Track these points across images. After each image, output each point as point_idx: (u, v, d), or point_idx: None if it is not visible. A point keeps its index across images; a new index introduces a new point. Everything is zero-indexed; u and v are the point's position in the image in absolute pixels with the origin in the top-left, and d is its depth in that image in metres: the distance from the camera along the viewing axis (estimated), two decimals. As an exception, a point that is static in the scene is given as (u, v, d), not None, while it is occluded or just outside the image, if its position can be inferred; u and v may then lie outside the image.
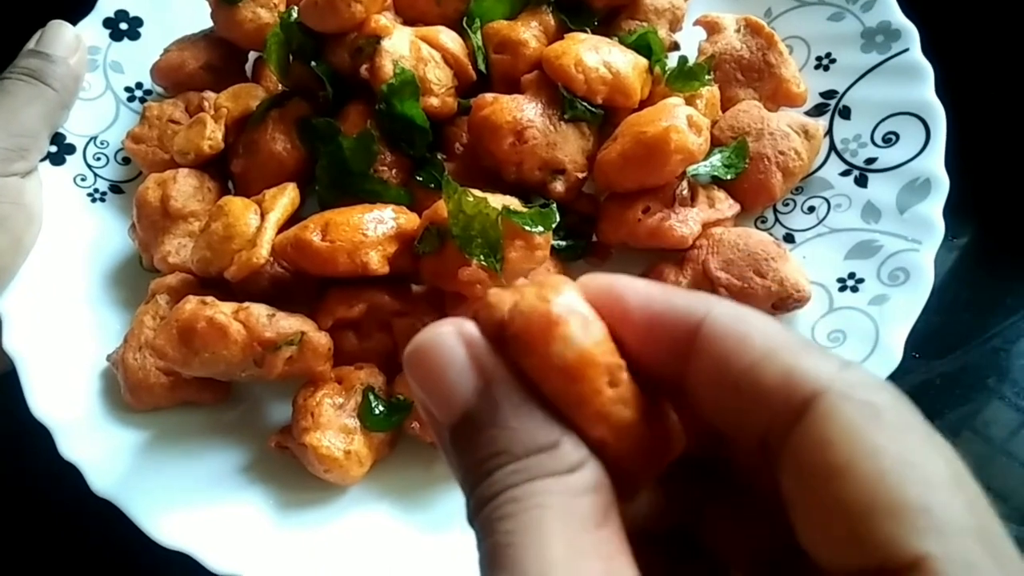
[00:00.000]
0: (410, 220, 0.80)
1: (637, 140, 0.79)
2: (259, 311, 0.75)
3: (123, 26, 1.03)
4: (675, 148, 0.77)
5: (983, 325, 0.71)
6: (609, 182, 0.82)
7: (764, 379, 0.29)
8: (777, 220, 0.86)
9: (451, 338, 0.31)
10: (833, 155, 0.87)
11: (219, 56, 0.97)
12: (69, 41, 0.94)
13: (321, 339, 0.76)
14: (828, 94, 0.90)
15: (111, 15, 1.02)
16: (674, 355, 0.32)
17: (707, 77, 0.86)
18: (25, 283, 0.86)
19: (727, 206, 0.82)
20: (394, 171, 0.86)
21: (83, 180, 0.96)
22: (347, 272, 0.76)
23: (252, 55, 1.01)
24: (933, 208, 0.78)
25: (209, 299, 0.75)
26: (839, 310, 0.77)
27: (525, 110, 0.82)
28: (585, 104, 0.83)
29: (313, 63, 0.87)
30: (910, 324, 0.73)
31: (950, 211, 0.78)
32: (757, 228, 0.86)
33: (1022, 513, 0.82)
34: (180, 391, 0.80)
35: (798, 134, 0.84)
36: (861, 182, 0.84)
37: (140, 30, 1.03)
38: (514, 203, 0.77)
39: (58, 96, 0.91)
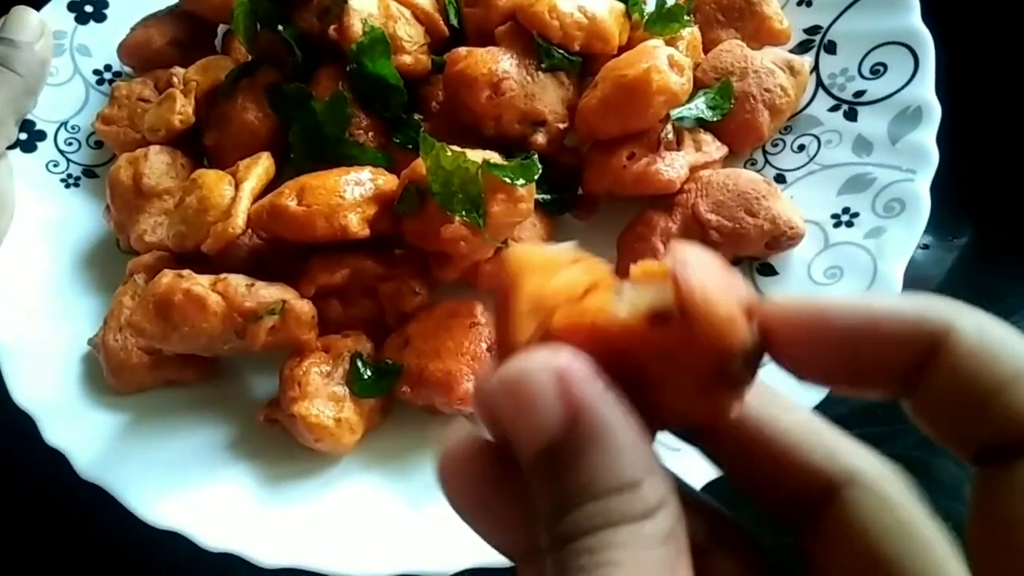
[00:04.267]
0: (388, 181, 0.78)
1: (617, 84, 0.76)
2: (237, 281, 0.73)
3: (88, 8, 1.00)
4: (657, 89, 0.74)
5: None
6: (591, 130, 0.79)
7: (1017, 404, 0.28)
8: (767, 161, 0.84)
9: (541, 371, 0.29)
10: (821, 91, 0.84)
11: (186, 31, 0.95)
12: (33, 26, 0.91)
13: (304, 307, 0.74)
14: (812, 30, 0.87)
15: (78, -1, 1.00)
16: (894, 372, 0.30)
17: (687, 18, 0.83)
18: (1, 271, 0.84)
19: (715, 148, 0.79)
20: (370, 134, 0.84)
21: (55, 166, 0.93)
22: (326, 237, 0.74)
23: (221, 29, 0.99)
24: (926, 135, 0.76)
25: (185, 272, 0.73)
26: (835, 246, 0.75)
27: (501, 62, 0.79)
28: (562, 52, 0.80)
29: (281, 28, 0.85)
30: (908, 254, 0.71)
31: (950, 211, 0.76)
32: (744, 168, 0.84)
33: None
34: (163, 370, 0.78)
35: (783, 71, 0.82)
36: (851, 116, 0.81)
37: (106, 12, 1.01)
38: (494, 157, 0.75)
39: (24, 82, 0.89)
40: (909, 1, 0.82)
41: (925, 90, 0.78)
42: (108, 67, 1.00)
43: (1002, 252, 0.72)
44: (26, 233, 0.88)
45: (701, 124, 0.81)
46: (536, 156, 0.75)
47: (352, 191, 0.75)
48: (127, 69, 0.99)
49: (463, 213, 0.72)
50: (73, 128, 0.96)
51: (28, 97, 0.91)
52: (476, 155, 0.73)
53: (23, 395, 0.76)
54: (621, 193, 0.79)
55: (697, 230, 0.76)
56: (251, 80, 0.86)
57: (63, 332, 0.83)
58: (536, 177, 0.73)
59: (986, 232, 0.81)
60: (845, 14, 0.86)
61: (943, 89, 0.77)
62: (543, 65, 0.80)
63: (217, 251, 0.76)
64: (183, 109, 0.86)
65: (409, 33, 0.84)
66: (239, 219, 0.75)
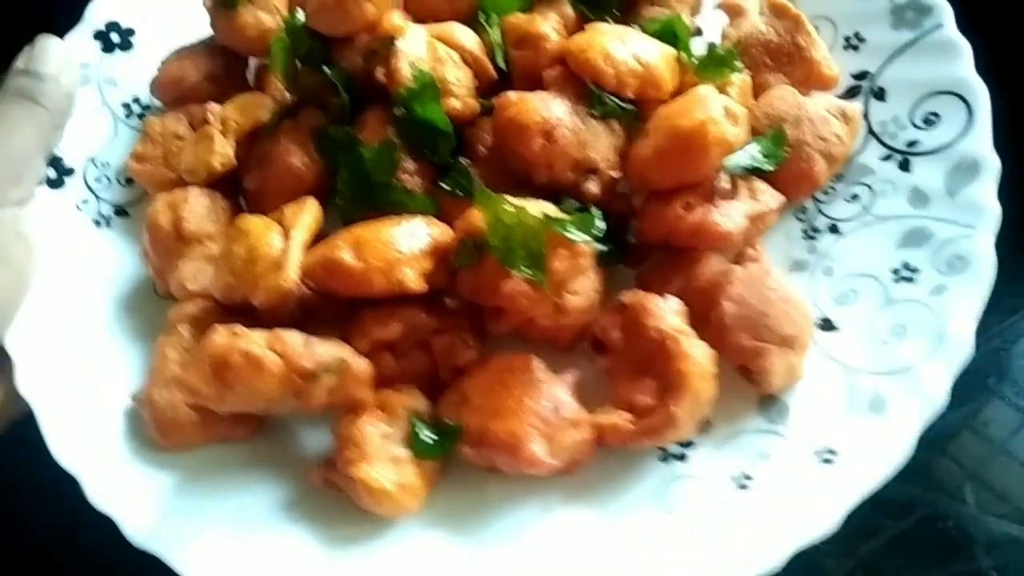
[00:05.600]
0: (443, 232, 0.76)
1: (671, 134, 0.75)
2: (294, 339, 0.71)
3: (114, 38, 0.97)
4: (713, 140, 0.73)
5: (983, 325, 0.68)
6: (644, 180, 0.78)
7: None
8: (819, 211, 0.83)
9: None
10: (872, 139, 0.83)
11: (221, 65, 0.92)
12: (59, 57, 0.88)
13: (362, 365, 0.72)
14: (860, 75, 0.87)
15: (101, 27, 0.97)
16: None
17: (737, 63, 0.82)
18: (32, 319, 0.81)
19: (770, 197, 0.79)
20: (417, 179, 0.82)
21: (85, 204, 0.91)
22: (383, 292, 0.73)
23: (253, 62, 0.96)
24: (984, 190, 0.76)
25: (239, 329, 0.71)
26: (897, 303, 0.74)
27: (553, 108, 0.78)
28: (615, 99, 0.79)
29: (326, 68, 0.83)
30: (976, 317, 0.71)
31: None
32: (797, 219, 0.83)
33: (1022, 513, 0.81)
34: (212, 427, 0.76)
35: (836, 118, 0.81)
36: (904, 166, 0.81)
37: (132, 40, 0.98)
38: (551, 209, 0.74)
39: (51, 116, 0.86)
40: (959, 49, 0.82)
41: (981, 143, 0.77)
42: (137, 99, 0.97)
43: (1002, 252, 0.71)
44: (56, 276, 0.85)
45: (755, 172, 0.80)
46: (595, 210, 0.74)
47: (409, 244, 0.74)
48: (156, 102, 0.97)
49: (524, 269, 0.70)
50: (102, 164, 0.93)
51: (55, 132, 0.88)
52: (534, 207, 0.72)
53: (64, 455, 0.74)
54: (677, 244, 0.78)
55: (708, 302, 0.74)
56: (294, 121, 0.85)
57: (101, 384, 0.80)
58: (598, 232, 0.72)
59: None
60: (894, 60, 0.85)
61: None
62: (595, 112, 0.79)
63: (268, 305, 0.75)
64: (223, 150, 0.84)
65: (457, 77, 0.82)
66: (292, 272, 0.73)
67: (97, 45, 0.96)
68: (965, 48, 0.82)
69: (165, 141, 0.89)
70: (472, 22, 0.87)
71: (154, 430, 0.76)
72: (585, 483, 0.73)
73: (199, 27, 0.96)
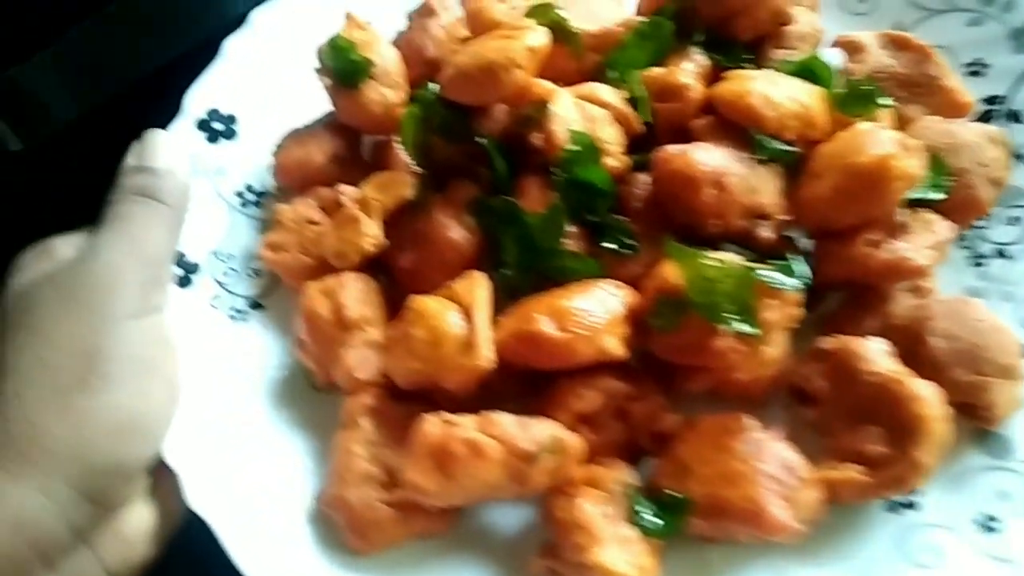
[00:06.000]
0: (633, 295, 0.74)
1: (851, 172, 0.74)
2: (507, 421, 0.67)
3: (218, 126, 0.94)
4: (897, 175, 0.73)
5: None
6: (823, 221, 0.77)
7: None
8: (980, 237, 0.83)
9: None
10: (1018, 161, 0.84)
11: (343, 145, 0.90)
12: (171, 151, 0.84)
13: (575, 441, 0.69)
14: (991, 99, 0.88)
15: (203, 116, 0.93)
16: None
17: (883, 97, 0.82)
18: (188, 427, 0.76)
19: (944, 227, 0.78)
20: (578, 242, 0.80)
21: (218, 300, 0.86)
22: (587, 362, 0.70)
23: (367, 139, 0.94)
24: None
25: (450, 416, 0.67)
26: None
27: (717, 157, 0.77)
28: (778, 143, 0.78)
29: (481, 139, 0.81)
30: None
31: None
32: (959, 247, 0.83)
33: None
34: (412, 524, 0.71)
35: (988, 143, 0.82)
36: (1060, 186, 0.82)
37: (235, 128, 0.95)
38: (741, 260, 0.72)
39: (174, 213, 0.82)
40: (1093, 66, 0.83)
41: None
42: (249, 187, 0.93)
43: None
44: (204, 379, 0.80)
45: (922, 203, 0.79)
46: (795, 256, 0.72)
47: (606, 310, 0.71)
48: (269, 188, 0.93)
49: (734, 324, 0.68)
50: (227, 257, 0.89)
51: (179, 228, 0.84)
52: (730, 259, 0.71)
53: (255, 570, 0.68)
54: (865, 282, 0.76)
55: (913, 340, 0.73)
56: (445, 195, 0.82)
57: (276, 488, 0.76)
58: (805, 279, 0.70)
59: None
60: (1025, 82, 0.86)
61: None
62: (759, 157, 0.78)
63: (462, 388, 0.71)
64: (372, 232, 0.81)
65: (610, 134, 0.81)
66: (487, 351, 0.70)
67: (202, 135, 0.93)
68: (1099, 65, 0.83)
69: (299, 228, 0.86)
70: (600, 80, 0.86)
71: (350, 533, 0.71)
72: (811, 542, 0.70)
73: (300, 108, 0.94)
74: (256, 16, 0.97)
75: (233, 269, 0.88)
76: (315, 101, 0.93)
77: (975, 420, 0.72)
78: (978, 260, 0.82)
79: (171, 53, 1.01)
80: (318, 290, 0.80)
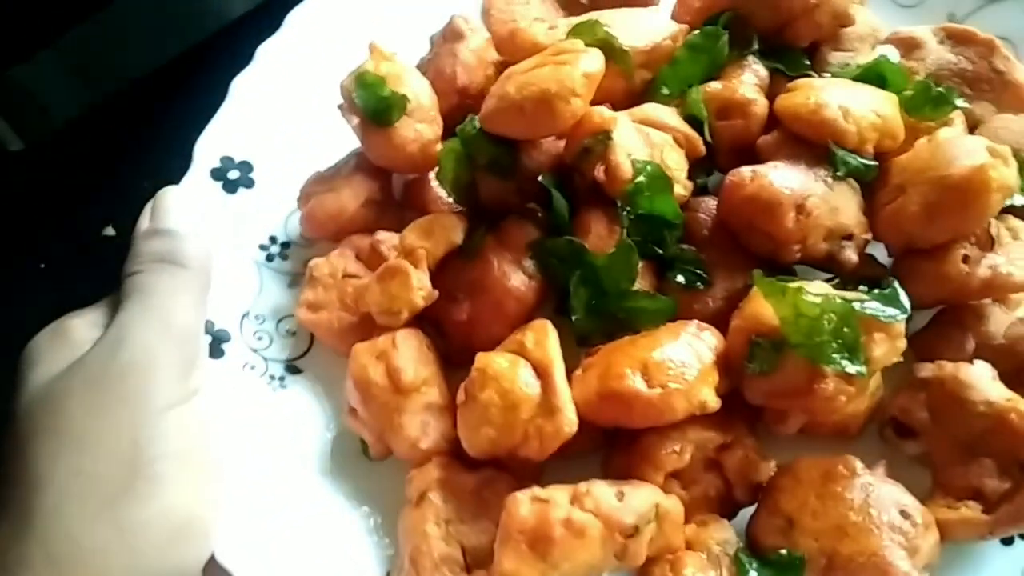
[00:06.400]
0: (719, 337, 0.68)
1: (943, 186, 0.69)
2: (602, 493, 0.61)
3: (233, 175, 0.86)
4: (996, 187, 0.67)
5: None
6: (911, 238, 0.72)
7: None
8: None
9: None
10: (1097, 155, 0.79)
11: (377, 188, 0.82)
12: (187, 208, 0.77)
13: (677, 507, 0.63)
14: (1063, 91, 0.82)
15: (217, 164, 0.85)
16: None
17: (957, 99, 0.77)
18: (239, 521, 0.69)
19: (1033, 234, 0.73)
20: (645, 277, 0.74)
21: (252, 369, 0.79)
22: (682, 418, 0.64)
23: (396, 178, 0.87)
24: None
25: (541, 492, 0.61)
26: None
27: (796, 178, 0.71)
28: (858, 157, 0.72)
29: (542, 177, 0.74)
30: None
31: None
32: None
33: None
34: (503, 608, 0.64)
35: (1070, 138, 0.76)
36: None
37: (253, 177, 0.87)
38: (837, 291, 0.66)
39: (198, 277, 0.74)
40: None
41: None
42: (273, 239, 0.86)
43: None
44: (247, 461, 0.73)
45: (1010, 210, 0.74)
46: (895, 282, 0.66)
47: (696, 359, 0.65)
48: (295, 238, 0.86)
49: (842, 364, 0.62)
50: (258, 318, 0.82)
51: (206, 294, 0.76)
52: (828, 292, 0.65)
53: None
54: (961, 301, 0.71)
55: (1018, 359, 0.69)
56: (499, 238, 0.75)
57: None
58: (907, 308, 0.65)
59: None
60: (1095, 70, 0.81)
61: None
62: (839, 173, 0.72)
63: (545, 455, 0.65)
64: (422, 284, 0.74)
65: (675, 160, 0.74)
66: (570, 414, 0.64)
67: (217, 186, 0.85)
68: None
69: (337, 283, 0.79)
70: (649, 100, 0.80)
71: (435, 624, 0.64)
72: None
73: (320, 148, 0.87)
74: (263, 50, 0.90)
75: (266, 332, 0.81)
76: (336, 139, 0.86)
77: None
78: (1064, 264, 0.77)
79: (171, 53, 0.99)
80: (369, 353, 0.73)
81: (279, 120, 0.89)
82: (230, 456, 0.72)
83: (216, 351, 0.78)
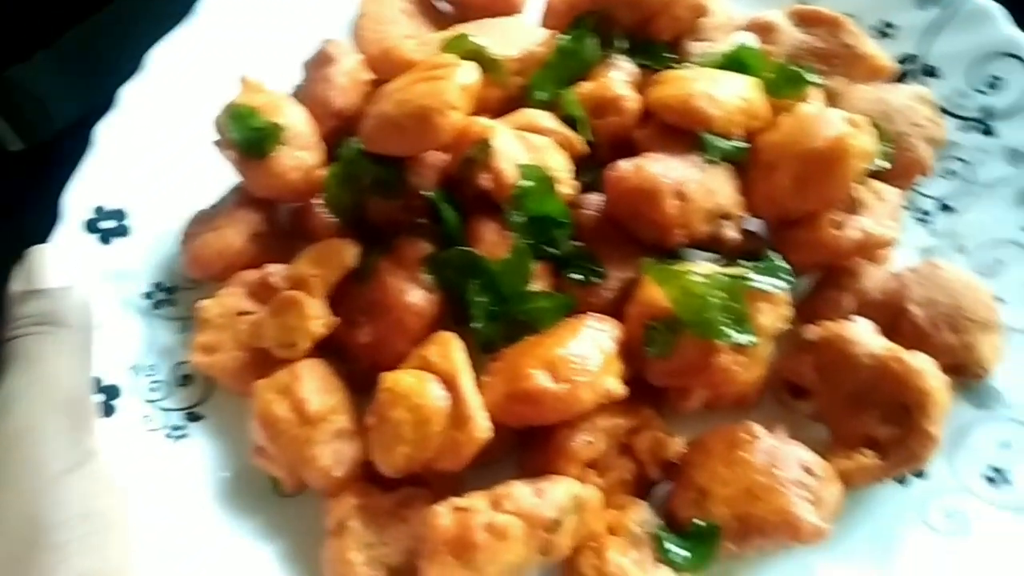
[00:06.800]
0: (617, 326, 0.69)
1: (807, 159, 0.72)
2: (522, 492, 0.62)
3: (107, 224, 0.83)
4: (856, 153, 0.71)
5: None
6: (784, 210, 0.75)
7: None
8: (920, 194, 0.84)
9: None
10: (943, 115, 0.85)
11: (262, 219, 0.81)
12: (60, 264, 0.73)
13: (595, 495, 0.64)
14: (904, 59, 0.89)
15: (91, 215, 0.82)
16: None
17: (813, 76, 0.81)
18: (151, 573, 0.66)
19: (893, 194, 0.77)
20: (542, 278, 0.75)
21: (149, 421, 0.76)
22: (591, 409, 0.65)
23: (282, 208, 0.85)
24: (1083, 133, 0.78)
25: (460, 501, 0.61)
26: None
27: (673, 166, 0.74)
28: (728, 141, 0.75)
29: (428, 191, 0.74)
30: None
31: None
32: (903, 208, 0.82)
33: None
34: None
35: (917, 103, 0.82)
36: (987, 132, 0.83)
37: (127, 224, 0.84)
38: (721, 269, 0.69)
39: (80, 335, 0.70)
40: (991, 12, 0.85)
41: (1056, 92, 0.81)
42: (159, 285, 0.83)
43: None
44: (155, 518, 0.70)
45: (871, 175, 0.79)
46: (774, 254, 0.70)
47: (598, 350, 0.66)
48: (180, 282, 0.83)
49: (733, 336, 0.65)
50: (149, 369, 0.78)
51: (89, 352, 0.72)
52: (713, 270, 0.68)
53: None
54: (836, 263, 0.75)
55: (892, 312, 0.73)
56: (393, 257, 0.75)
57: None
58: (789, 276, 0.68)
59: None
60: (934, 38, 0.88)
61: None
62: (711, 158, 0.75)
63: (462, 465, 0.64)
64: (319, 312, 0.73)
65: (558, 161, 0.76)
66: (482, 420, 0.64)
67: (92, 238, 0.82)
68: (998, 9, 0.85)
69: (229, 322, 0.77)
70: (527, 104, 0.81)
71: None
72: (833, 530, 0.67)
73: (197, 186, 0.85)
74: (126, 93, 0.87)
75: (160, 382, 0.78)
76: (214, 175, 0.84)
77: (967, 378, 0.72)
78: (924, 218, 0.83)
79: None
80: (271, 389, 0.71)
81: (150, 163, 0.86)
82: (137, 513, 0.69)
83: (109, 409, 0.75)
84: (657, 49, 0.84)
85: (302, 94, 0.84)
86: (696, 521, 0.66)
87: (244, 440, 0.74)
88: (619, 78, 0.80)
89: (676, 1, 0.80)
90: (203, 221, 0.81)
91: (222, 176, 0.82)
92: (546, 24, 0.86)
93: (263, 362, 0.75)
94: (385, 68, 0.80)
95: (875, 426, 0.68)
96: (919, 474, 0.71)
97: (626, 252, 0.76)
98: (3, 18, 0.87)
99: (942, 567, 0.67)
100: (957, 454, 0.71)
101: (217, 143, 0.78)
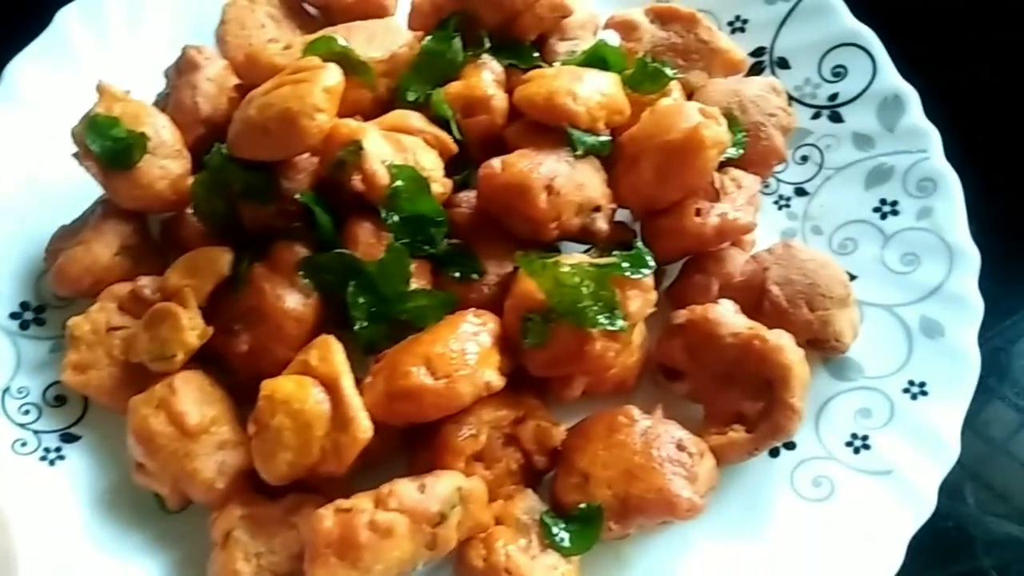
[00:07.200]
0: (494, 319, 0.71)
1: (666, 150, 0.76)
2: (406, 489, 0.62)
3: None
4: (711, 143, 0.75)
5: (983, 325, 0.75)
6: (648, 201, 0.78)
7: None
8: (779, 180, 0.88)
9: None
10: (795, 104, 0.90)
11: (131, 231, 0.79)
12: None
13: (479, 487, 0.65)
14: (757, 52, 0.94)
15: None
16: None
17: (671, 71, 0.85)
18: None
19: (751, 181, 0.82)
20: (422, 277, 0.76)
21: (23, 445, 0.73)
22: (471, 403, 0.66)
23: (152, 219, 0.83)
24: (917, 116, 0.85)
25: (343, 502, 0.61)
26: (896, 235, 0.81)
27: (543, 161, 0.76)
28: (594, 136, 0.78)
29: (300, 194, 0.74)
30: (964, 221, 0.79)
31: None
32: (763, 194, 0.87)
33: (1022, 513, 0.82)
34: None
35: (770, 94, 0.87)
36: (835, 118, 0.89)
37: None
38: (591, 259, 0.72)
39: None
40: (834, 6, 0.91)
41: (893, 78, 0.87)
42: (25, 305, 0.80)
43: (1002, 252, 0.78)
44: (35, 538, 0.68)
45: (727, 163, 0.83)
46: (640, 244, 0.73)
47: (476, 344, 0.68)
48: (49, 300, 0.80)
49: (604, 323, 0.68)
50: (20, 392, 0.76)
51: None
52: (582, 261, 0.70)
53: None
54: (701, 250, 0.79)
55: (753, 294, 0.77)
56: (268, 263, 0.74)
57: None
58: (653, 264, 0.71)
59: (986, 232, 0.81)
60: (782, 31, 0.93)
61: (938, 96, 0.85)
62: (578, 152, 0.77)
63: (347, 465, 0.65)
64: (194, 322, 0.72)
65: (429, 160, 0.77)
66: (364, 421, 0.65)
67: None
68: (839, 2, 0.91)
69: (102, 339, 0.75)
70: (398, 105, 0.82)
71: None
72: (710, 504, 0.71)
73: (58, 201, 0.82)
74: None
75: (32, 404, 0.75)
76: (78, 189, 0.81)
77: (826, 352, 0.77)
78: (782, 202, 0.88)
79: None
80: (147, 404, 0.70)
81: (10, 179, 0.83)
82: (16, 540, 0.66)
83: (-24, 436, 0.72)
84: (523, 49, 0.86)
85: (166, 102, 0.82)
86: (580, 505, 0.68)
87: (124, 458, 0.72)
88: (487, 78, 0.81)
89: (538, 1, 0.82)
90: (68, 236, 0.79)
91: (88, 189, 0.80)
92: (412, 25, 0.87)
93: (139, 377, 0.73)
94: (251, 73, 0.79)
95: (743, 402, 0.72)
96: (789, 445, 0.75)
97: (503, 248, 0.78)
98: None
99: (811, 531, 0.71)
100: (822, 424, 0.76)
101: (77, 156, 0.76)
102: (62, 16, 0.89)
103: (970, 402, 0.74)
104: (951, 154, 0.83)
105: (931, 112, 0.86)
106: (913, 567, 0.68)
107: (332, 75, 0.71)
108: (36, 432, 0.74)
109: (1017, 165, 0.97)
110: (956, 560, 0.79)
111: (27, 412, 0.75)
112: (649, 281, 0.71)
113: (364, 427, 0.64)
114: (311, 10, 0.93)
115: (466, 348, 0.67)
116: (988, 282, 0.78)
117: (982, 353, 0.75)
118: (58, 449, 0.74)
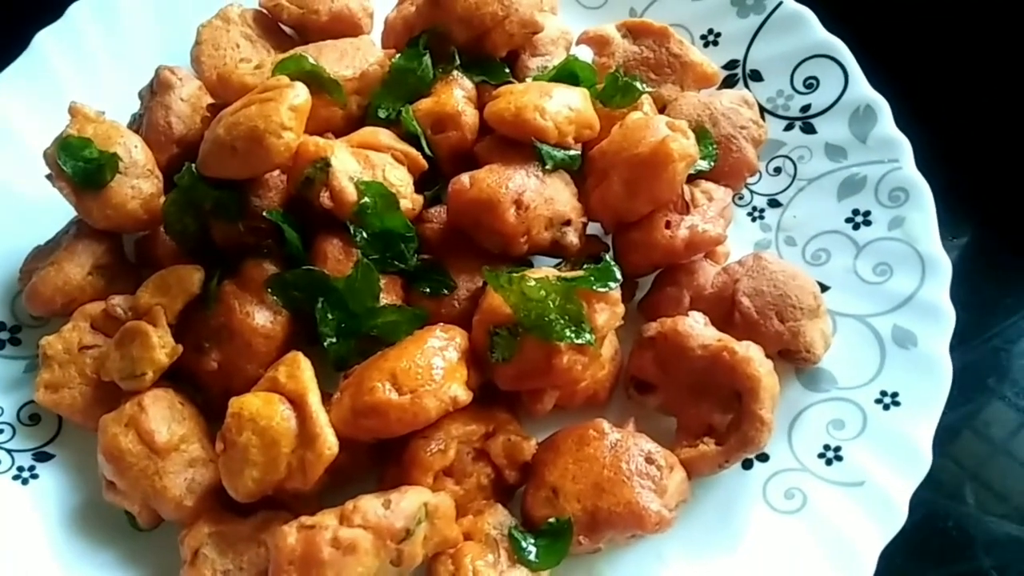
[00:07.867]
0: (462, 335, 0.71)
1: (635, 163, 0.76)
2: (368, 505, 0.62)
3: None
4: (679, 156, 0.75)
5: (983, 325, 0.75)
6: (619, 215, 0.79)
7: None
8: (752, 192, 0.88)
9: None
10: (768, 116, 0.90)
11: (105, 250, 0.79)
12: None
13: (446, 502, 0.65)
14: (730, 64, 0.94)
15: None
16: None
17: (642, 85, 0.86)
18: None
19: (722, 193, 0.82)
20: (392, 292, 0.76)
21: (-3, 466, 0.74)
22: (437, 417, 0.66)
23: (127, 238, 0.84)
24: (888, 126, 0.85)
25: (308, 519, 0.61)
26: (868, 246, 0.81)
27: (511, 176, 0.76)
28: (563, 150, 0.78)
29: (269, 212, 0.74)
30: (936, 231, 0.79)
31: (948, 211, 0.81)
32: (737, 206, 0.87)
33: (1022, 513, 0.82)
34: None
35: (741, 106, 0.87)
36: (808, 129, 0.89)
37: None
38: (559, 272, 0.72)
39: None
40: (806, 17, 0.92)
41: (864, 89, 0.87)
42: (0, 325, 0.81)
43: (1002, 252, 0.77)
44: (8, 558, 0.68)
45: (699, 176, 0.83)
46: (607, 256, 0.73)
47: (443, 359, 0.68)
48: (26, 320, 0.81)
49: (572, 337, 0.68)
50: (-6, 412, 0.76)
51: None
52: (549, 275, 0.70)
53: None
54: (673, 262, 0.79)
55: (725, 305, 0.77)
56: (238, 281, 0.75)
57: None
58: (619, 278, 0.71)
59: (986, 232, 0.82)
60: (754, 44, 0.94)
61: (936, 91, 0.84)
62: (547, 167, 0.78)
63: (314, 481, 0.65)
64: (164, 340, 0.72)
65: (398, 177, 0.77)
66: (330, 437, 0.65)
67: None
68: (810, 15, 0.92)
69: (73, 357, 0.75)
70: (369, 122, 0.83)
71: None
72: (682, 517, 0.71)
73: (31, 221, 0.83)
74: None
75: (6, 423, 0.76)
76: (52, 208, 0.82)
77: (797, 363, 0.76)
78: (756, 214, 0.88)
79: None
80: (117, 422, 0.70)
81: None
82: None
83: (-52, 456, 0.72)
84: (494, 65, 0.86)
85: (140, 123, 0.83)
86: (550, 519, 0.68)
87: (97, 476, 0.73)
88: (458, 95, 0.82)
89: (507, 17, 0.83)
90: (42, 256, 0.79)
91: (61, 210, 0.80)
92: (385, 44, 0.88)
93: (111, 396, 0.74)
94: (223, 92, 0.80)
95: (714, 414, 0.72)
96: (762, 457, 0.75)
97: (473, 263, 0.78)
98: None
99: (783, 543, 0.71)
100: (794, 436, 0.76)
101: (49, 177, 0.76)
102: (40, 39, 0.90)
103: (970, 402, 0.73)
104: (923, 162, 0.83)
105: (902, 122, 0.86)
106: (913, 567, 0.68)
107: (298, 93, 0.71)
108: (10, 451, 0.75)
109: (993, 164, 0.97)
110: (956, 560, 0.79)
111: (1, 431, 0.75)
112: (616, 294, 0.71)
113: (330, 443, 0.64)
114: (287, 30, 0.94)
115: (432, 363, 0.67)
116: (988, 279, 0.78)
117: (982, 353, 0.75)
118: (31, 468, 0.75)
